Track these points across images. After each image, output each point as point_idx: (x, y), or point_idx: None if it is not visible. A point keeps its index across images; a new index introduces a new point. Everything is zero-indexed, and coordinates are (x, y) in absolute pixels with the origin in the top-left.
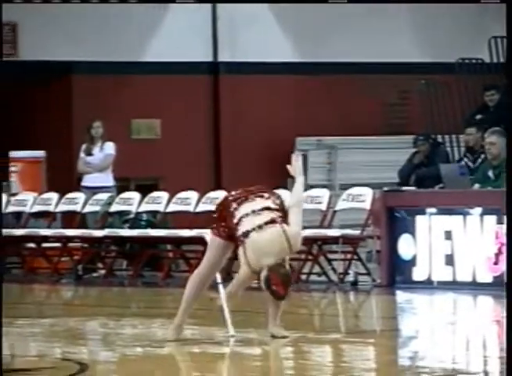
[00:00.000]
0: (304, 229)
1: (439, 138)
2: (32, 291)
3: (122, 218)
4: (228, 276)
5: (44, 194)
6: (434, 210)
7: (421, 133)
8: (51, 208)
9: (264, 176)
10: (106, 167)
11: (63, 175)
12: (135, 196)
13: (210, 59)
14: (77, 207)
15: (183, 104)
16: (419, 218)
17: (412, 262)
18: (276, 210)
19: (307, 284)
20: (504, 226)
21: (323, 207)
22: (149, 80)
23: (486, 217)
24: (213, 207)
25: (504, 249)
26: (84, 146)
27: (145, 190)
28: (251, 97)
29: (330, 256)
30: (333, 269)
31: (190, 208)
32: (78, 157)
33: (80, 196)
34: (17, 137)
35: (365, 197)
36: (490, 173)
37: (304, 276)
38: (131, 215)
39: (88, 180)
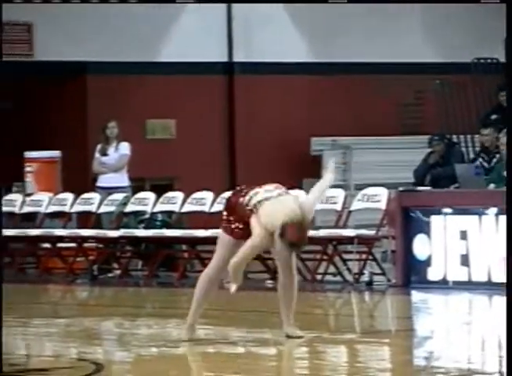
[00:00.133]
0: (319, 230)
1: (454, 138)
2: (47, 291)
3: (137, 219)
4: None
5: (59, 194)
6: (449, 210)
7: (436, 133)
8: (66, 209)
9: (278, 176)
10: (121, 167)
11: (78, 176)
12: (150, 196)
13: (225, 59)
14: (93, 208)
15: (198, 104)
16: (434, 218)
17: (427, 262)
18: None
19: (322, 284)
20: None
21: (338, 207)
22: (164, 80)
23: (501, 217)
24: None
25: None
26: (99, 147)
27: (160, 190)
28: (266, 97)
29: (345, 256)
30: (349, 269)
31: (205, 208)
32: (93, 158)
33: (95, 196)
34: (32, 137)
35: (380, 197)
36: (505, 173)
37: (319, 277)
38: (147, 216)
39: (104, 180)
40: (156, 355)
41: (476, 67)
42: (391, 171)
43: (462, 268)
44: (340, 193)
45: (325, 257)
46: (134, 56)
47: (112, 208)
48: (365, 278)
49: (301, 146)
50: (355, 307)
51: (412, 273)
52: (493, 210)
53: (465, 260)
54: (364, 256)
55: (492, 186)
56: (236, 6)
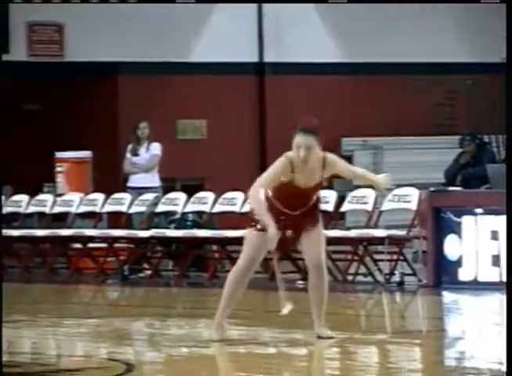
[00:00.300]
0: (349, 230)
1: (485, 138)
2: (78, 291)
3: (168, 219)
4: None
5: (90, 195)
6: (480, 210)
7: (467, 133)
8: (97, 209)
9: None
10: (152, 167)
11: (109, 176)
12: (180, 196)
13: (255, 59)
14: (123, 208)
15: (229, 105)
16: (465, 219)
17: (458, 262)
18: None
19: (353, 285)
20: None
21: (369, 207)
22: (194, 80)
23: None
24: None
25: None
26: (130, 147)
27: (191, 191)
28: (297, 97)
29: (376, 257)
30: (379, 270)
31: (236, 209)
32: (124, 158)
33: (126, 196)
34: (64, 138)
35: (411, 198)
36: None
37: (350, 277)
38: (177, 216)
39: (134, 181)
40: (186, 355)
41: None
42: (421, 172)
43: (493, 268)
44: (371, 194)
45: (356, 257)
46: (165, 57)
47: (143, 208)
48: (396, 279)
49: (331, 146)
50: (385, 307)
51: (443, 274)
52: None
53: (496, 260)
54: (395, 257)
55: None
56: (266, 7)
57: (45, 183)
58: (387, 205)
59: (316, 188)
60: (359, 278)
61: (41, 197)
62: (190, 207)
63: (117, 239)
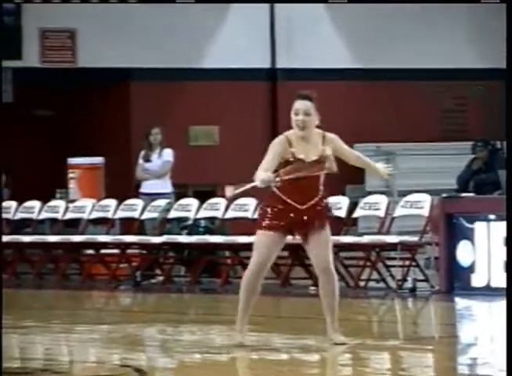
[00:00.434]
0: (362, 236)
1: (498, 144)
2: (91, 297)
3: (180, 225)
4: (286, 282)
5: (102, 201)
6: (493, 216)
7: (480, 139)
8: (109, 215)
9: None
10: (165, 173)
11: (121, 182)
12: (193, 202)
13: (268, 65)
14: (136, 214)
15: (241, 111)
16: (478, 225)
17: (471, 268)
18: None
19: (365, 291)
20: None
21: (382, 213)
22: (207, 86)
23: None
24: None
25: None
26: (142, 153)
27: (203, 197)
28: None
29: (389, 263)
30: (392, 276)
31: (248, 215)
32: (137, 164)
33: (138, 202)
34: (76, 144)
35: (423, 204)
36: None
37: (362, 283)
38: (190, 222)
39: (147, 187)
40: (199, 361)
41: None
42: (434, 178)
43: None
44: (383, 200)
45: (368, 263)
46: (177, 63)
47: (155, 214)
48: (408, 285)
49: None
50: (398, 313)
51: (455, 280)
52: None
53: None
54: (407, 263)
55: None
56: (278, 13)
57: (57, 189)
58: (399, 211)
59: (320, 165)
60: (372, 284)
61: (53, 203)
62: (202, 213)
63: (129, 245)
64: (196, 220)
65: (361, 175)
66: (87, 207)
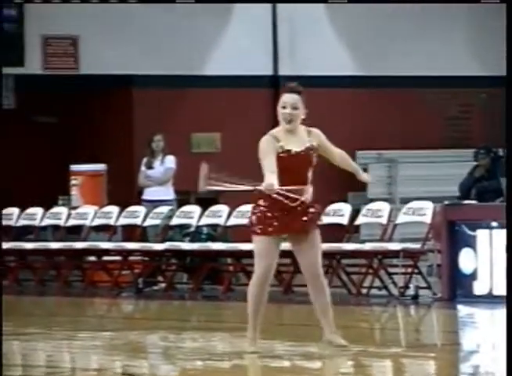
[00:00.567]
0: (364, 243)
1: (500, 151)
2: (93, 304)
3: (182, 232)
4: (289, 289)
5: (104, 207)
6: (495, 224)
7: (482, 147)
8: (111, 222)
9: (323, 190)
10: (167, 180)
11: (123, 189)
12: (195, 209)
13: (270, 72)
14: (138, 221)
15: (243, 118)
16: (480, 232)
17: (473, 275)
18: None
19: (367, 298)
20: None
21: (384, 220)
22: (209, 93)
23: None
24: None
25: None
26: (145, 160)
27: (205, 204)
28: (311, 110)
29: (391, 270)
30: (394, 283)
31: None
32: (139, 171)
33: (140, 209)
34: (78, 150)
35: (425, 211)
36: None
37: (364, 290)
38: (192, 229)
39: (149, 193)
40: (201, 368)
41: None
42: (436, 185)
43: None
44: (385, 207)
45: (370, 270)
46: (180, 70)
47: (157, 221)
48: (410, 292)
49: None
50: (400, 321)
51: (457, 287)
52: None
53: None
54: (409, 270)
55: None
56: (280, 19)
57: (59, 196)
58: (401, 218)
59: (309, 158)
60: (374, 291)
61: (55, 209)
62: (205, 221)
63: (131, 252)
64: (198, 227)
65: (362, 182)
66: (89, 214)
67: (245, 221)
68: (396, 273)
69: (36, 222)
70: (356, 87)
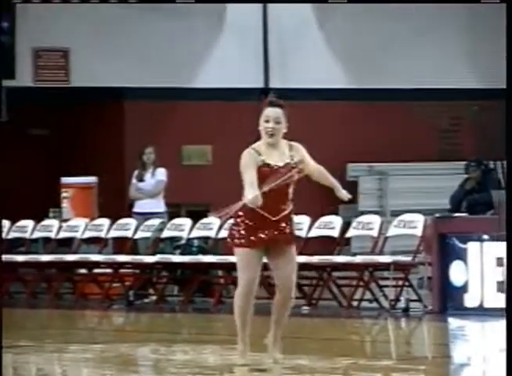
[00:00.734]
0: (355, 256)
1: (491, 164)
2: (84, 316)
3: (173, 244)
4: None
5: (95, 220)
6: (486, 236)
7: (473, 159)
8: (102, 234)
9: (314, 202)
10: (158, 193)
11: (114, 201)
12: (186, 222)
13: (261, 85)
14: (129, 233)
15: (234, 130)
16: (471, 245)
17: (463, 288)
18: None
19: (358, 311)
20: None
21: (375, 233)
22: (200, 106)
23: None
24: None
25: None
26: (136, 172)
27: (196, 216)
28: (302, 123)
29: (382, 282)
30: (385, 296)
31: None
32: (130, 183)
33: (131, 222)
34: (69, 163)
35: (416, 224)
36: None
37: (355, 303)
38: (183, 241)
39: (140, 206)
40: None
41: None
42: (427, 198)
43: (498, 294)
44: (376, 220)
45: (361, 283)
46: (171, 82)
47: (148, 234)
48: (401, 305)
49: (337, 171)
50: (391, 333)
51: (448, 300)
52: None
53: (502, 287)
54: (400, 282)
55: None
56: (271, 32)
57: (50, 208)
58: (392, 231)
59: (289, 172)
60: (365, 304)
61: (46, 222)
62: (195, 233)
63: (122, 264)
64: (189, 240)
65: (354, 194)
66: (80, 227)
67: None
68: (387, 286)
69: (27, 235)
70: (347, 100)
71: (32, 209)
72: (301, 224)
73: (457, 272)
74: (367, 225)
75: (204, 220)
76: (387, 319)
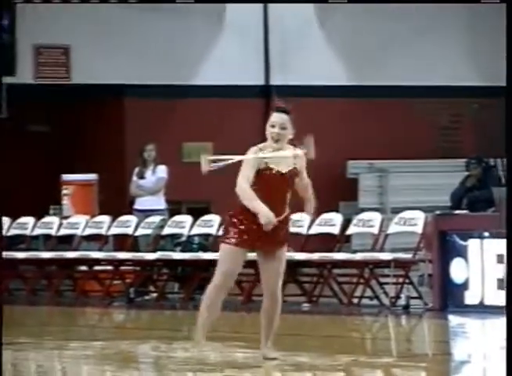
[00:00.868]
0: (355, 253)
1: (491, 161)
2: (84, 314)
3: (174, 242)
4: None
5: (96, 217)
6: (486, 233)
7: (473, 156)
8: (103, 231)
9: (315, 200)
10: (159, 190)
11: (115, 198)
12: (186, 219)
13: (262, 82)
14: (129, 230)
15: (235, 127)
16: (471, 242)
17: (464, 285)
18: None
19: (359, 308)
20: None
21: (375, 230)
22: (201, 103)
23: None
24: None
25: None
26: (136, 170)
27: (196, 213)
28: (302, 120)
29: (382, 280)
30: (385, 293)
31: None
32: (130, 180)
33: (132, 219)
34: (70, 160)
35: (417, 221)
36: None
37: (355, 300)
38: (183, 238)
39: (141, 203)
40: None
41: None
42: (427, 195)
43: (499, 292)
44: (376, 217)
45: (361, 280)
46: (171, 79)
47: (149, 231)
48: (401, 302)
49: (337, 169)
50: (391, 331)
51: (449, 297)
52: None
53: (502, 284)
54: (401, 280)
55: None
56: (272, 29)
57: (51, 205)
58: (393, 228)
59: (291, 179)
60: (365, 301)
61: (47, 219)
62: (196, 230)
63: (122, 261)
64: (189, 237)
65: (354, 191)
66: (80, 224)
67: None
68: (387, 283)
69: (27, 232)
70: (348, 97)
71: (32, 206)
72: (302, 221)
73: (458, 270)
74: (367, 223)
75: (205, 217)
76: (387, 317)
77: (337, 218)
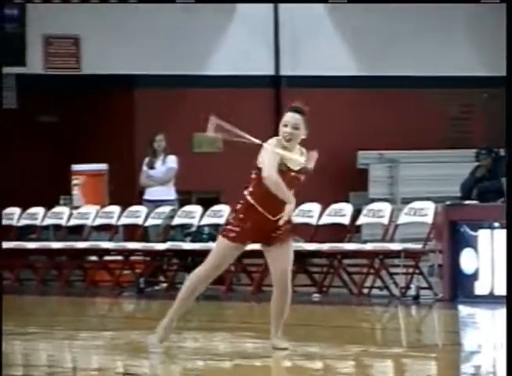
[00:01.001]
0: (365, 243)
1: (501, 151)
2: (94, 304)
3: (184, 232)
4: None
5: (106, 207)
6: (496, 224)
7: (483, 147)
8: (113, 221)
9: (325, 189)
10: (168, 180)
11: (125, 188)
12: (196, 209)
13: (272, 72)
14: (139, 221)
15: (245, 117)
16: (481, 232)
17: (474, 276)
18: None
19: (369, 298)
20: None
21: (385, 221)
22: (211, 93)
23: None
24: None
25: None
26: (146, 160)
27: (206, 203)
28: (313, 111)
29: (392, 270)
30: (395, 283)
31: None
32: (141, 170)
33: (142, 209)
34: (80, 150)
35: (427, 211)
36: None
37: (365, 290)
38: (193, 229)
39: (151, 193)
40: (202, 368)
41: None
42: (438, 185)
43: None
44: (386, 207)
45: (371, 271)
46: (181, 69)
47: (159, 221)
48: (411, 292)
49: (347, 159)
50: (401, 321)
51: (459, 287)
52: None
53: None
54: (411, 270)
55: None
56: (282, 19)
57: (61, 196)
58: (403, 219)
59: (298, 178)
60: (375, 291)
61: (57, 209)
62: (206, 220)
63: (132, 252)
64: (199, 227)
65: (364, 182)
66: (91, 214)
67: None
68: (397, 273)
69: (38, 222)
70: (358, 87)
71: (43, 196)
72: (312, 211)
73: (468, 260)
74: (378, 213)
75: (215, 207)
76: (397, 307)
77: (347, 208)
